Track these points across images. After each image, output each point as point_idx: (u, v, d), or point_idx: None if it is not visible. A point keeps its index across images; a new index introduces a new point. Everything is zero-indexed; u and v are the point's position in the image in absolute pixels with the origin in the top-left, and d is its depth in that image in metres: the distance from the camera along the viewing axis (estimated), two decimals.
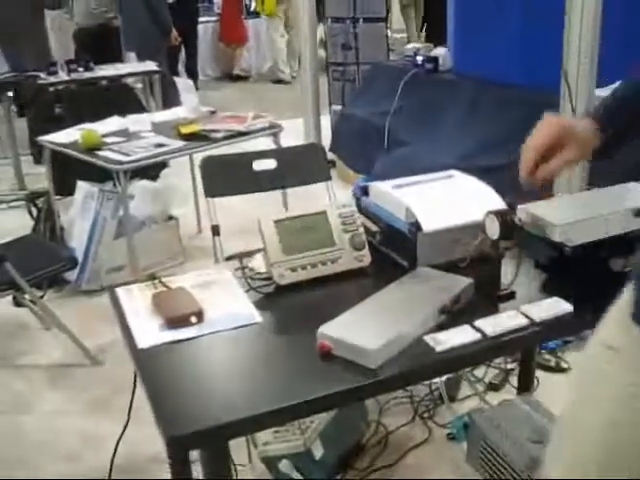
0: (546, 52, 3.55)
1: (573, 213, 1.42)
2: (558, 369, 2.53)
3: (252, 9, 10.32)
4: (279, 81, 9.76)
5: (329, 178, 2.71)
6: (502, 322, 1.32)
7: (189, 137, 3.18)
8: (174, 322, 1.37)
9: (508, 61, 3.84)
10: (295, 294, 1.50)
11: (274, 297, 1.50)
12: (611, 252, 1.46)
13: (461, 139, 4.02)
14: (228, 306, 1.44)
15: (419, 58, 4.68)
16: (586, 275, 1.45)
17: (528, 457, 1.82)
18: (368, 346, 1.20)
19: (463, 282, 1.42)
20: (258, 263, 1.57)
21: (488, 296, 1.43)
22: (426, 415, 2.36)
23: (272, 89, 9.42)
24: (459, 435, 2.19)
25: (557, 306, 1.36)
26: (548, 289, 1.47)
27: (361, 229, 1.60)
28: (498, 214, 1.40)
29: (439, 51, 4.64)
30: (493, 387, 2.46)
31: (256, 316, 1.40)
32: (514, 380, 2.40)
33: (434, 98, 4.43)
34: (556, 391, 2.12)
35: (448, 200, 1.59)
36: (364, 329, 1.26)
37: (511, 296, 1.44)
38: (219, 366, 1.30)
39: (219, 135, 3.15)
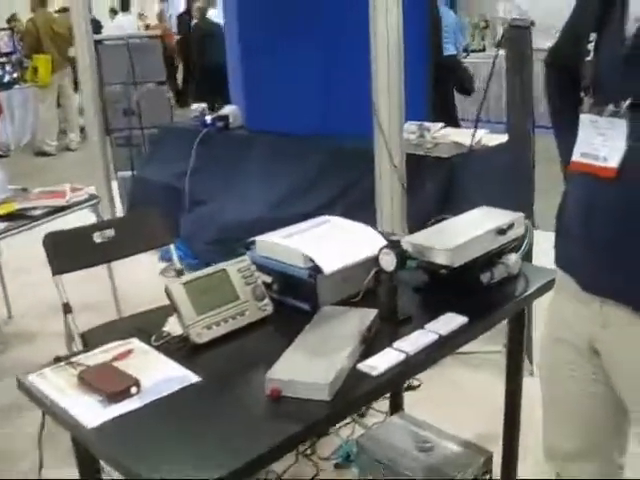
0: (340, 102, 3.90)
1: (452, 238, 1.64)
2: (411, 388, 2.77)
3: (5, 80, 9.82)
4: (43, 153, 9.36)
5: (171, 241, 2.76)
6: (417, 341, 1.49)
7: (4, 218, 3.03)
8: (116, 396, 1.36)
9: (303, 113, 4.12)
10: (215, 350, 1.56)
11: (197, 356, 1.55)
12: (481, 268, 1.71)
13: (268, 190, 4.22)
14: (159, 372, 1.46)
15: (208, 118, 4.83)
16: (463, 290, 1.69)
17: (424, 466, 2.01)
18: (322, 381, 1.31)
19: (371, 313, 1.58)
20: (172, 327, 1.60)
21: (390, 321, 1.61)
22: (309, 452, 2.47)
23: (39, 162, 9.01)
24: (347, 462, 2.32)
25: (455, 319, 1.57)
26: (431, 308, 1.68)
27: (259, 280, 1.70)
28: (393, 248, 1.59)
29: (228, 109, 4.83)
30: (361, 414, 2.63)
31: (191, 376, 1.44)
32: (379, 405, 2.59)
33: (231, 155, 4.59)
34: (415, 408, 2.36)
35: (336, 242, 1.75)
36: (309, 368, 1.36)
37: (409, 319, 1.62)
38: (170, 433, 1.32)
39: (38, 212, 3.04)
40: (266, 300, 1.68)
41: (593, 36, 1.31)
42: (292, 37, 4.19)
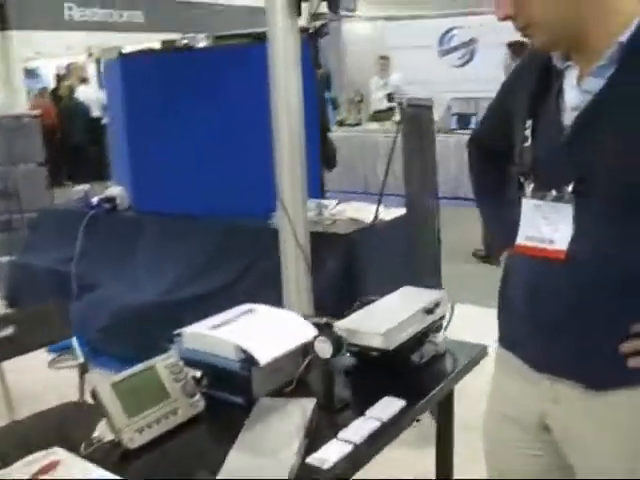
0: (234, 181, 3.90)
1: (383, 321, 1.65)
2: None
3: None
4: None
5: (71, 334, 2.62)
6: (361, 429, 1.47)
7: None
8: None
9: (194, 193, 4.09)
10: (149, 453, 1.47)
11: (130, 462, 1.45)
12: (412, 349, 1.73)
13: (160, 274, 4.11)
14: None
15: (94, 199, 4.69)
16: (395, 372, 1.69)
17: None
18: (282, 477, 1.26)
19: (309, 403, 1.54)
20: (102, 432, 1.50)
21: (328, 409, 1.58)
22: None
23: None
24: None
25: (393, 403, 1.56)
26: (366, 393, 1.67)
27: (189, 375, 1.63)
28: (328, 335, 1.58)
29: (114, 190, 4.71)
30: None
31: None
32: None
33: (120, 237, 4.46)
34: None
35: (266, 331, 1.72)
36: (259, 469, 1.31)
37: (347, 406, 1.60)
38: None
39: None
40: (197, 396, 1.61)
41: (529, 123, 1.34)
42: (181, 116, 4.19)
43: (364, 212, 3.50)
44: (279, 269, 3.04)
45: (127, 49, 4.69)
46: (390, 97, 9.24)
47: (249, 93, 3.52)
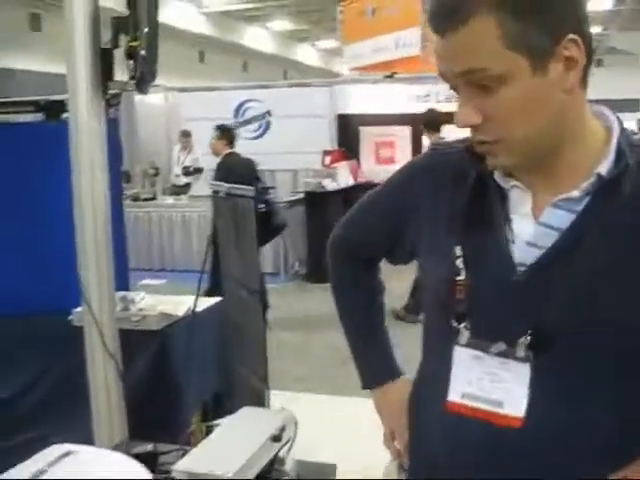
0: (26, 279, 3.46)
1: (230, 459, 1.43)
2: None
3: None
4: None
5: None
6: None
7: None
8: None
9: None
10: None
11: None
12: None
13: None
14: None
15: None
16: None
17: None
18: None
19: None
20: None
21: None
22: None
23: None
24: None
25: None
26: None
27: None
28: None
29: None
30: None
31: None
32: None
33: None
34: None
35: None
36: None
37: None
38: None
39: None
40: None
41: (458, 250, 1.11)
42: None
43: (175, 304, 3.25)
44: (81, 374, 2.68)
45: None
46: (186, 170, 9.09)
47: (46, 172, 3.17)
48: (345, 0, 11.54)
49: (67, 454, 1.53)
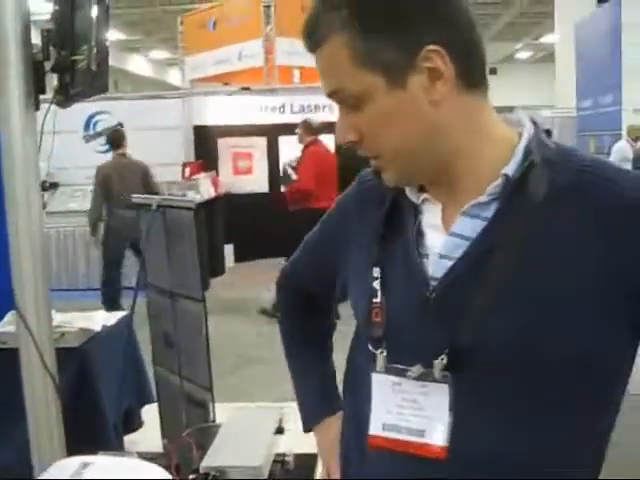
0: None
1: (250, 451, 1.56)
2: None
3: None
4: None
5: None
6: None
7: None
8: None
9: None
10: None
11: None
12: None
13: None
14: None
15: None
16: None
17: None
18: None
19: None
20: None
21: None
22: None
23: None
24: None
25: None
26: None
27: None
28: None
29: None
30: None
31: None
32: None
33: None
34: None
35: None
36: None
37: None
38: None
39: None
40: None
41: (376, 271, 1.06)
42: None
43: (92, 320, 3.26)
44: (12, 396, 2.64)
45: None
46: (42, 186, 8.71)
47: None
48: (186, 12, 11.55)
49: (85, 465, 1.59)
